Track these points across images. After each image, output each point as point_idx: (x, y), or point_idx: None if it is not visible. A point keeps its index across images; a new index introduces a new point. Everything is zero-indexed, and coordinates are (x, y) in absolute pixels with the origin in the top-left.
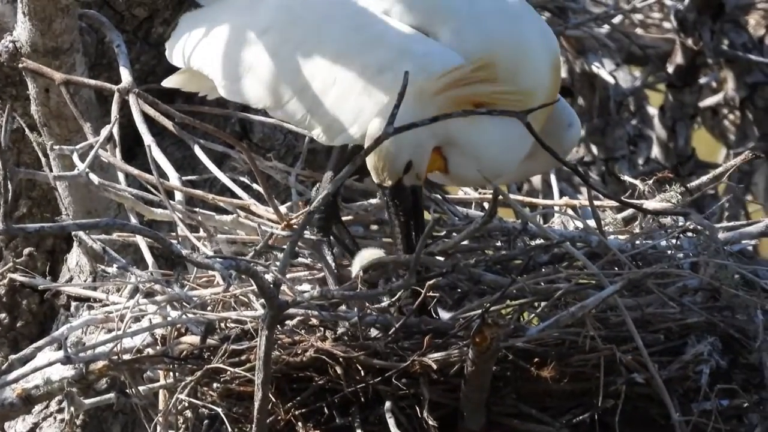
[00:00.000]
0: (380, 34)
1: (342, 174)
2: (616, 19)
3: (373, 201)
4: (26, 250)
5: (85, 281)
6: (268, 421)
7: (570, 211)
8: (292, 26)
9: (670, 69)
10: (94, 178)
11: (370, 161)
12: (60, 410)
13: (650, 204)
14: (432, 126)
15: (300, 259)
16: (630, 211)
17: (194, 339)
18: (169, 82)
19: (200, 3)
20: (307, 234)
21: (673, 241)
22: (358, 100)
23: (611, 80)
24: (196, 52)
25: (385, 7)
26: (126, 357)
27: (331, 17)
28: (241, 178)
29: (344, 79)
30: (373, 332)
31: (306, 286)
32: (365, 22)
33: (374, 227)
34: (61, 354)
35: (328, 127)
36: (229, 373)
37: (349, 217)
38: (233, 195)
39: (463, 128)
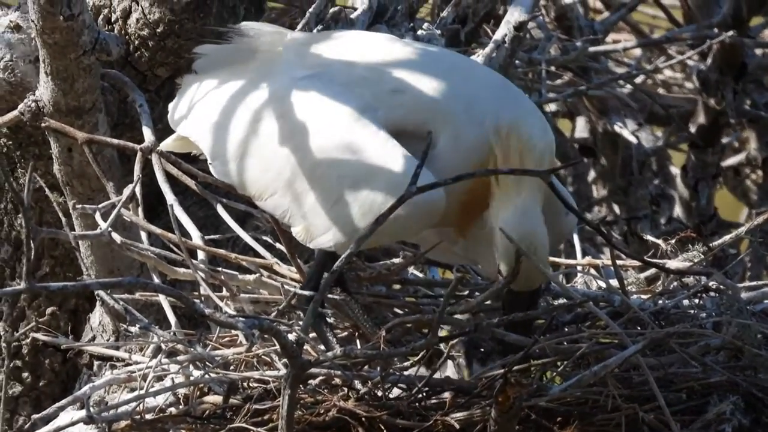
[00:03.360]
0: (364, 143)
1: (365, 233)
2: (639, 79)
3: (396, 260)
4: (49, 310)
5: (107, 340)
6: None
7: (593, 271)
8: (281, 119)
9: (693, 129)
10: (117, 237)
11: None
12: None
13: (673, 263)
14: None
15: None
16: (652, 270)
17: (217, 398)
18: (166, 145)
19: (196, 70)
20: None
21: (696, 300)
22: (333, 210)
23: (634, 140)
24: (192, 122)
25: (383, 110)
26: (149, 416)
27: (322, 115)
28: (264, 237)
29: (323, 186)
30: (396, 391)
31: None
32: (353, 127)
33: (397, 287)
34: (83, 413)
35: (305, 230)
36: None
37: (372, 276)
38: (256, 254)
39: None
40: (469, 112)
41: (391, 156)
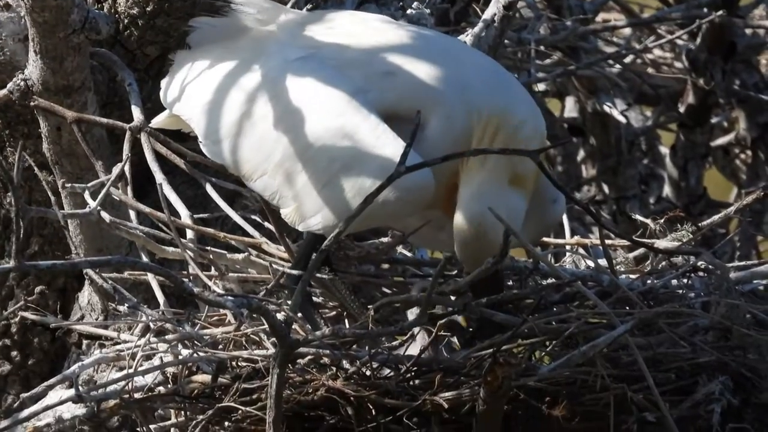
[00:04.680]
0: (355, 126)
1: (353, 213)
2: (628, 59)
3: (384, 240)
4: (38, 288)
5: (96, 319)
6: None
7: (581, 251)
8: (274, 100)
9: (682, 109)
10: (106, 216)
11: (469, 249)
12: None
13: (661, 243)
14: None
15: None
16: (641, 250)
17: (205, 378)
18: (157, 123)
19: (190, 44)
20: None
21: (685, 280)
22: (323, 192)
23: (623, 120)
24: (184, 100)
25: (374, 93)
26: (137, 395)
27: (314, 98)
28: (253, 217)
29: (314, 168)
30: (385, 371)
31: None
32: (345, 109)
33: (385, 266)
34: (72, 392)
35: (294, 211)
36: (240, 411)
37: (360, 255)
38: (245, 233)
39: None
40: (461, 95)
41: (382, 139)
